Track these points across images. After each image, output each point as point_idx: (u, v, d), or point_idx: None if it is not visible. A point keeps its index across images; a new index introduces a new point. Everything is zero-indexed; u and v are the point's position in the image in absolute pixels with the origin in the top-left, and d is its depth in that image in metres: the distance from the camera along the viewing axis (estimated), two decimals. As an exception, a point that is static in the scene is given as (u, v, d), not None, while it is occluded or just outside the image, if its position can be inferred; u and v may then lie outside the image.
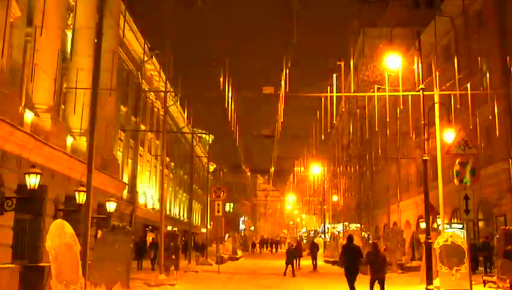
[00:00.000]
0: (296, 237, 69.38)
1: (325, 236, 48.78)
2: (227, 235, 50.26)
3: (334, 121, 29.32)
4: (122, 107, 29.10)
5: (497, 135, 19.68)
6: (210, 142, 61.68)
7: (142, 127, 34.15)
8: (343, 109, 30.59)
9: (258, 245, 63.35)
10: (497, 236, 16.39)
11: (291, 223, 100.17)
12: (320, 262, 28.81)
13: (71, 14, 18.56)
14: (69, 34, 19.31)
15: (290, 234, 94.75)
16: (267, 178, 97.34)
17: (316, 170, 61.28)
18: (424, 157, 16.95)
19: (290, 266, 23.82)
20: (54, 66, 16.19)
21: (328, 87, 21.39)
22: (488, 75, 19.26)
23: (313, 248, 29.41)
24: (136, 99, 32.80)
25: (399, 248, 25.92)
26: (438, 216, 21.73)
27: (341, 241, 35.67)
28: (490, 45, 24.11)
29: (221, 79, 20.28)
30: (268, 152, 70.21)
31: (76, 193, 15.35)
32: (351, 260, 13.65)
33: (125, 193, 28.10)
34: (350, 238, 14.74)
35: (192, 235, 39.07)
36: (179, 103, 34.78)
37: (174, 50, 21.78)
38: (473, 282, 14.56)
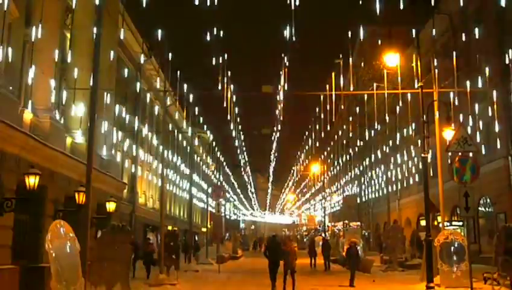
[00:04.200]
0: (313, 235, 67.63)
1: (325, 234, 48.74)
2: (227, 234, 50.18)
3: (333, 119, 29.33)
4: (121, 107, 29.02)
5: (496, 131, 19.67)
6: (210, 141, 61.47)
7: (142, 127, 34.07)
8: (343, 107, 30.60)
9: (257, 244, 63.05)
10: (498, 233, 16.36)
11: (291, 221, 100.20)
12: (320, 260, 28.61)
13: (70, 15, 18.50)
14: (68, 34, 19.29)
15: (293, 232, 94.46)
16: (267, 177, 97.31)
17: (315, 168, 61.24)
18: (424, 155, 16.94)
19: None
20: (53, 66, 16.16)
21: (327, 85, 21.41)
22: (487, 73, 19.26)
23: (327, 248, 28.74)
24: (135, 99, 32.74)
25: (399, 246, 25.88)
26: (438, 214, 21.71)
27: (341, 239, 35.69)
28: (489, 42, 24.07)
29: (220, 78, 20.33)
30: (268, 151, 70.08)
31: (76, 193, 15.30)
32: (273, 254, 16.77)
33: (125, 193, 28.04)
34: (273, 237, 18.78)
35: (193, 234, 38.97)
36: (178, 102, 34.72)
37: (172, 49, 21.65)
38: (473, 279, 14.54)
